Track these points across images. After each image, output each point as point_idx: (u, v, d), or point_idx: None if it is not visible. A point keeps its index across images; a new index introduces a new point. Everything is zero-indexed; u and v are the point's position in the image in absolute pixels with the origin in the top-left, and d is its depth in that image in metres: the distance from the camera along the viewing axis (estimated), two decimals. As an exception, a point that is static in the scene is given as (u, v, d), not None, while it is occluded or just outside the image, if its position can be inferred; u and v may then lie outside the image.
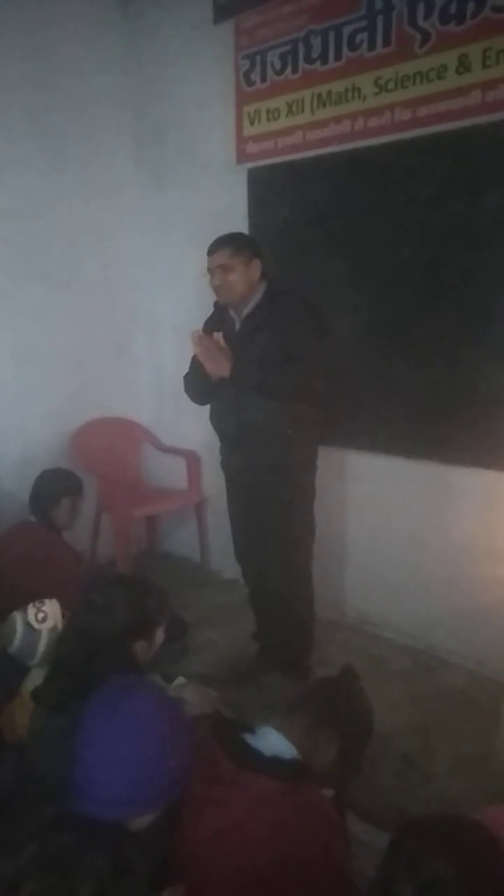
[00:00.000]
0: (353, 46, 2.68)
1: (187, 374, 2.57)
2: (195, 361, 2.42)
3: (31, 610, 2.06)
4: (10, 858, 1.20)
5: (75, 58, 3.34)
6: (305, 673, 2.60)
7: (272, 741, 1.46)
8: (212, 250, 2.39)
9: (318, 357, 2.34)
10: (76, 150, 3.41)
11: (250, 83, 3.06)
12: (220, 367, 2.31)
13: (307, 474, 2.52)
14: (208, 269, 2.40)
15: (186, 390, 2.60)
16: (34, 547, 2.60)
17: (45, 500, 2.76)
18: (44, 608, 2.06)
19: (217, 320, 2.54)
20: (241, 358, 2.31)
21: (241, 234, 2.49)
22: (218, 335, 2.32)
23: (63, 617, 2.05)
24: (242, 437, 2.45)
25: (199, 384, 2.49)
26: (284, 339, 2.31)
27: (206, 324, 2.60)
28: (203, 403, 2.59)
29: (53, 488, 2.78)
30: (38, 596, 2.11)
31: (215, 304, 2.55)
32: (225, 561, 3.48)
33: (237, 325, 2.46)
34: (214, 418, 2.57)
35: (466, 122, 2.43)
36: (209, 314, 2.63)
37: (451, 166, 2.50)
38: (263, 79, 3.00)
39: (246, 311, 2.43)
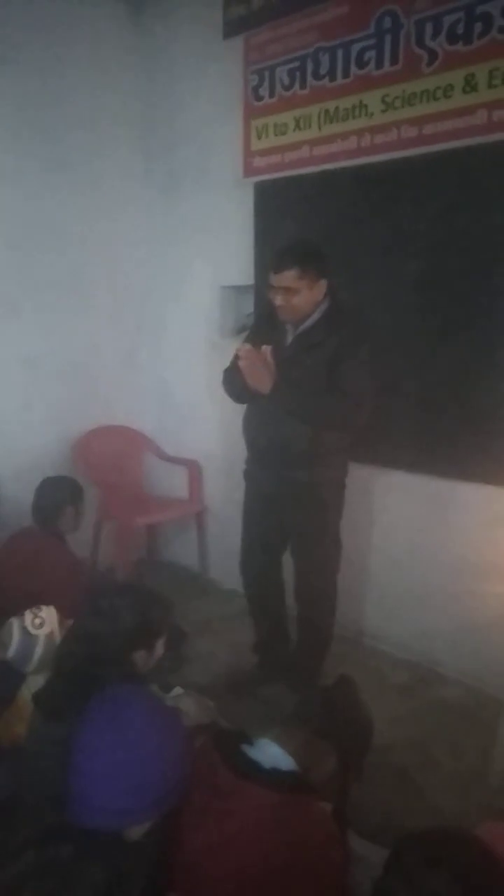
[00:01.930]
0: (361, 64, 2.71)
1: (227, 368, 2.50)
2: (237, 363, 2.30)
3: (28, 616, 2.06)
4: (7, 866, 1.20)
5: (85, 72, 3.37)
6: (311, 686, 2.57)
7: (271, 753, 1.46)
8: (277, 268, 2.26)
9: (365, 394, 2.27)
10: (85, 162, 3.44)
11: (259, 98, 3.09)
12: (261, 384, 2.23)
13: (336, 493, 2.49)
14: (271, 286, 2.30)
15: (223, 384, 2.54)
16: (38, 555, 2.61)
17: (49, 509, 2.77)
18: (41, 614, 2.06)
19: (269, 325, 2.45)
20: (285, 377, 2.23)
21: (310, 251, 2.31)
22: (267, 349, 2.22)
23: (61, 625, 2.05)
24: (272, 452, 2.41)
25: (237, 386, 2.39)
26: (334, 368, 2.25)
27: (255, 326, 2.54)
28: (239, 403, 2.53)
29: (57, 498, 2.79)
30: (40, 603, 2.11)
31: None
32: (224, 571, 3.49)
33: (288, 338, 2.39)
34: (246, 428, 2.52)
35: (472, 141, 2.46)
36: (256, 314, 2.54)
37: (457, 184, 2.52)
38: (272, 94, 3.03)
39: (301, 327, 2.36)
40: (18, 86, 3.14)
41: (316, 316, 2.35)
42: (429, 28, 2.50)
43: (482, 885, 1.08)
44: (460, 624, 2.75)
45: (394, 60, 2.61)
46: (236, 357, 2.31)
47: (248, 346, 2.24)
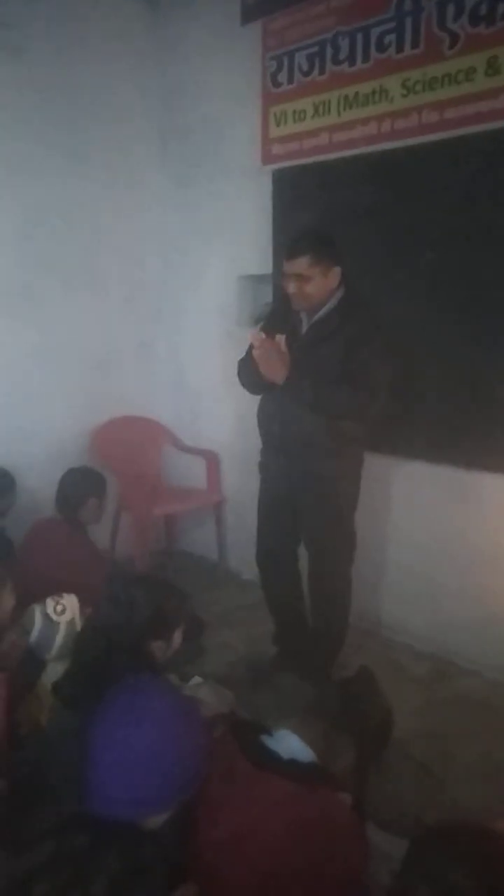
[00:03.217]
0: (381, 48, 2.66)
1: (242, 359, 2.49)
2: (251, 353, 2.29)
3: (50, 602, 2.07)
4: (24, 855, 1.21)
5: (103, 59, 3.36)
6: (324, 676, 2.57)
7: (290, 744, 1.46)
8: (290, 256, 2.26)
9: (380, 384, 2.25)
10: (102, 150, 3.44)
11: (277, 84, 3.05)
12: (275, 373, 2.22)
13: (351, 485, 2.47)
14: (284, 274, 2.29)
15: (238, 374, 2.53)
16: (60, 545, 2.63)
17: (72, 500, 2.79)
18: (63, 601, 2.08)
19: (283, 314, 2.43)
20: (299, 367, 2.21)
21: (322, 239, 2.31)
22: (280, 338, 2.19)
23: (83, 613, 2.06)
24: (287, 443, 2.40)
25: (251, 376, 2.38)
26: (348, 358, 2.23)
27: (271, 315, 2.53)
28: (254, 394, 2.51)
29: (81, 489, 2.81)
30: (63, 592, 2.12)
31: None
32: (243, 562, 3.49)
33: (303, 327, 2.37)
34: (261, 419, 2.52)
35: (495, 125, 2.41)
36: (273, 304, 2.54)
37: (479, 169, 2.48)
38: (290, 80, 3.00)
39: (316, 316, 2.34)
40: (35, 75, 3.14)
41: (331, 304, 2.32)
42: (450, 9, 2.45)
43: (502, 880, 1.07)
44: (480, 615, 2.72)
45: (415, 44, 2.57)
46: (250, 346, 2.29)
47: (261, 335, 2.23)
